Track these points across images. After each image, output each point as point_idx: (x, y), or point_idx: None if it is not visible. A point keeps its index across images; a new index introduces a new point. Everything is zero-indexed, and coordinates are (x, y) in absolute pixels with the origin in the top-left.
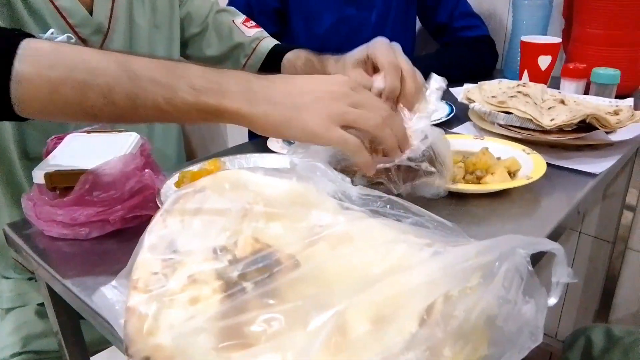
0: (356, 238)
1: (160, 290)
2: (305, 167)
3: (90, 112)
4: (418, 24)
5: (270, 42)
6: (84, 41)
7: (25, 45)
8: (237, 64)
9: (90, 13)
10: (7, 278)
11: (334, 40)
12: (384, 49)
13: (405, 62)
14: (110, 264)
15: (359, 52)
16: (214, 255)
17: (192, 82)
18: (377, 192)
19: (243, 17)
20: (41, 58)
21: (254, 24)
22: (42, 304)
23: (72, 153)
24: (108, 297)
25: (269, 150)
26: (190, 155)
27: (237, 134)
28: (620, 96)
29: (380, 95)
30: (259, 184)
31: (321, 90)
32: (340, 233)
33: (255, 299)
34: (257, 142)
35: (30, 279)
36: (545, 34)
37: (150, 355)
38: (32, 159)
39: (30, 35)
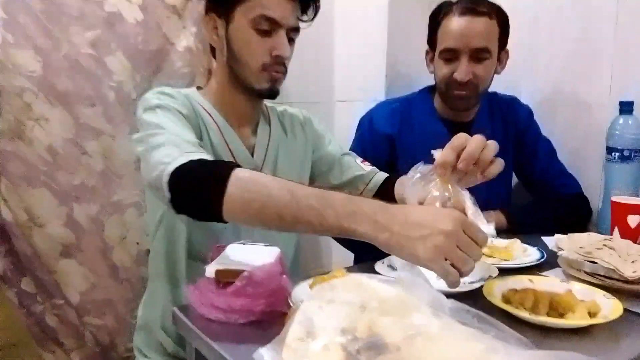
0: (445, 337)
1: (303, 351)
2: (410, 280)
3: (265, 223)
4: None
5: (383, 175)
6: None
7: (235, 173)
8: (356, 191)
9: (252, 155)
10: (148, 357)
11: None
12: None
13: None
14: (251, 343)
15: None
16: (341, 333)
17: (336, 209)
18: (466, 307)
19: (361, 158)
20: (242, 183)
21: (369, 164)
22: None
23: (233, 257)
24: (263, 355)
25: (374, 273)
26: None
27: (340, 258)
28: None
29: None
30: (375, 288)
31: (435, 227)
32: (434, 332)
33: None
34: (363, 266)
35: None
36: (638, 195)
37: None
38: (194, 259)
39: (238, 166)
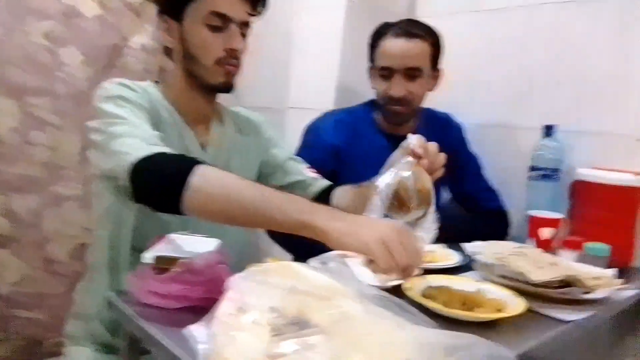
0: (363, 317)
1: (233, 325)
2: (337, 270)
3: (231, 217)
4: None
5: (325, 183)
6: None
7: (200, 168)
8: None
9: (205, 145)
10: (82, 346)
11: None
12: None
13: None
14: (184, 325)
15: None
16: (270, 310)
17: (297, 205)
18: (386, 294)
19: (306, 164)
20: (206, 178)
21: (315, 171)
22: None
23: (171, 247)
24: (192, 330)
25: None
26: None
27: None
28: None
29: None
30: (305, 273)
31: (382, 225)
32: (354, 313)
33: (289, 339)
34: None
35: (104, 350)
36: (556, 211)
37: None
38: (139, 250)
39: (204, 162)
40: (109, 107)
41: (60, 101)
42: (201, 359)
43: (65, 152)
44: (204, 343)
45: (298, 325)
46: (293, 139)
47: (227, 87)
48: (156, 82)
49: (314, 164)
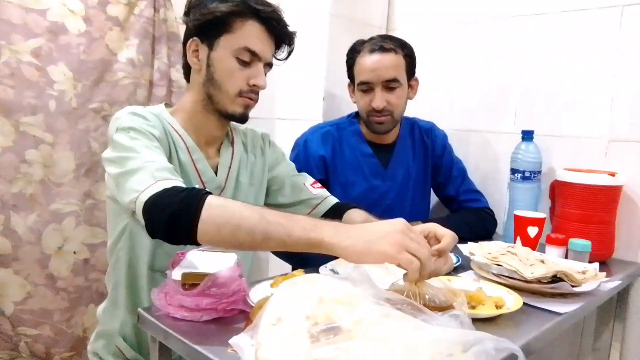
0: (384, 320)
1: (275, 334)
2: (356, 278)
3: (239, 243)
4: (433, 195)
5: (332, 200)
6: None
7: (207, 201)
8: (304, 212)
9: (216, 174)
10: None
11: (364, 203)
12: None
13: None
14: (218, 337)
15: (424, 227)
16: (305, 319)
17: (302, 225)
18: (400, 297)
19: (312, 180)
20: (214, 209)
21: (319, 185)
22: None
23: (195, 263)
24: (238, 341)
25: None
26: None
27: (276, 267)
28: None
29: None
30: (329, 283)
31: (389, 229)
32: (376, 317)
33: (326, 344)
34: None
35: None
36: (536, 210)
37: None
38: (155, 270)
39: (209, 193)
40: (122, 138)
41: (52, 118)
42: None
43: (60, 169)
44: (250, 351)
45: (332, 331)
46: (282, 150)
47: (243, 118)
48: (166, 104)
49: None
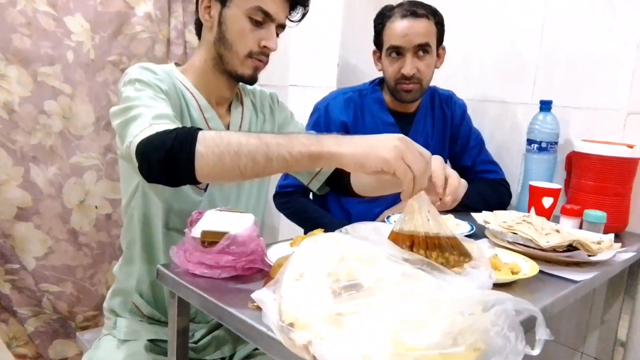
0: (405, 280)
1: (298, 288)
2: (375, 238)
3: (240, 171)
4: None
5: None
6: None
7: (201, 134)
8: (306, 178)
9: (227, 127)
10: (124, 317)
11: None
12: (437, 163)
13: (453, 177)
14: (236, 293)
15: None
16: (327, 275)
17: (302, 141)
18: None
19: None
20: (209, 141)
21: None
22: (151, 340)
23: (214, 222)
24: (260, 295)
25: None
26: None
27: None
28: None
29: None
30: (350, 242)
31: (388, 137)
32: (396, 275)
33: (348, 300)
34: None
35: (141, 320)
36: (551, 181)
37: (293, 321)
38: (170, 229)
39: (200, 129)
40: (127, 90)
41: (71, 70)
42: (274, 318)
43: (80, 121)
44: (273, 305)
45: (353, 287)
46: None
47: (252, 80)
48: (176, 64)
49: None
